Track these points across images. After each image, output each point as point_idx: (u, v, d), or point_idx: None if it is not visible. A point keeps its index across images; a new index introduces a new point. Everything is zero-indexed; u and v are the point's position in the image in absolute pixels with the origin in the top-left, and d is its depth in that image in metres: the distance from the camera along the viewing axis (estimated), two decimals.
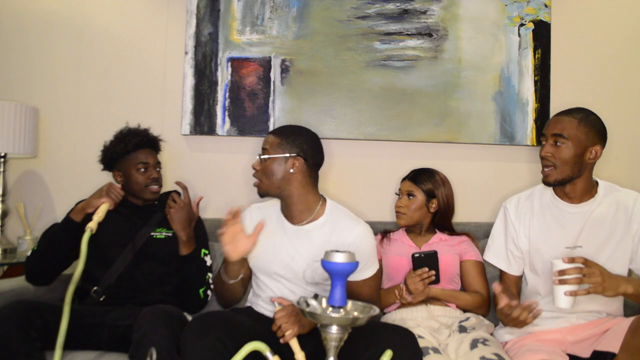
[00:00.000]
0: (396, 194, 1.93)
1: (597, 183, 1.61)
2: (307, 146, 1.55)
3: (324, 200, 1.62)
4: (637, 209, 1.53)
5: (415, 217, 1.85)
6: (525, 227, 1.64)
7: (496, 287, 1.46)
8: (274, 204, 1.65)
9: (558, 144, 1.51)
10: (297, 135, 1.57)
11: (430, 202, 1.85)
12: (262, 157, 1.55)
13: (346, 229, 1.54)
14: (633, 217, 1.54)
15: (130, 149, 1.75)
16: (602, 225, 1.55)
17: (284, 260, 1.56)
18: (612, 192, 1.60)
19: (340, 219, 1.57)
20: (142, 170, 1.75)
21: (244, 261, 1.57)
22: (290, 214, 1.58)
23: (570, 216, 1.58)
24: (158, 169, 1.81)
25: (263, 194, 1.57)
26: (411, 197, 1.85)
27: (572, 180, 1.53)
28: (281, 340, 1.31)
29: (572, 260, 1.37)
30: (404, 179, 1.92)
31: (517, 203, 1.69)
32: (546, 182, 1.56)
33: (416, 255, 1.68)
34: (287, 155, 1.53)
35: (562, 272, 1.37)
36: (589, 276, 1.35)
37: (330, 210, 1.58)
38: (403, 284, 1.68)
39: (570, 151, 1.50)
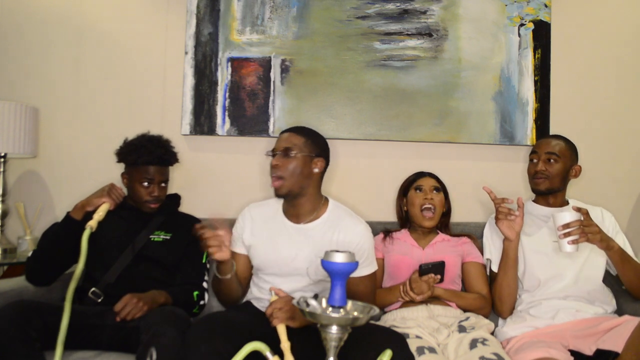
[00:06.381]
0: (416, 189, 1.87)
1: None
2: (326, 148, 1.62)
3: (326, 200, 1.65)
4: (607, 224, 1.76)
5: (439, 215, 1.87)
6: (523, 233, 1.73)
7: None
8: (275, 202, 1.66)
9: (551, 161, 1.75)
10: (316, 136, 1.62)
11: (445, 201, 1.91)
12: (292, 153, 1.53)
13: (347, 227, 1.56)
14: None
15: (140, 164, 1.73)
16: None
17: (285, 259, 1.57)
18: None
19: (341, 218, 1.59)
20: (145, 184, 1.73)
21: (233, 256, 1.55)
22: (295, 212, 1.60)
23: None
24: (163, 185, 1.78)
25: (285, 193, 1.55)
26: (439, 192, 1.87)
27: (558, 191, 1.78)
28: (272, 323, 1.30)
29: (577, 209, 1.55)
30: (422, 176, 1.90)
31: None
32: (538, 190, 1.79)
33: (424, 267, 1.67)
34: (314, 155, 1.56)
35: (566, 226, 1.53)
36: (589, 227, 1.53)
37: (332, 209, 1.62)
38: (407, 282, 1.67)
39: (560, 167, 1.75)
